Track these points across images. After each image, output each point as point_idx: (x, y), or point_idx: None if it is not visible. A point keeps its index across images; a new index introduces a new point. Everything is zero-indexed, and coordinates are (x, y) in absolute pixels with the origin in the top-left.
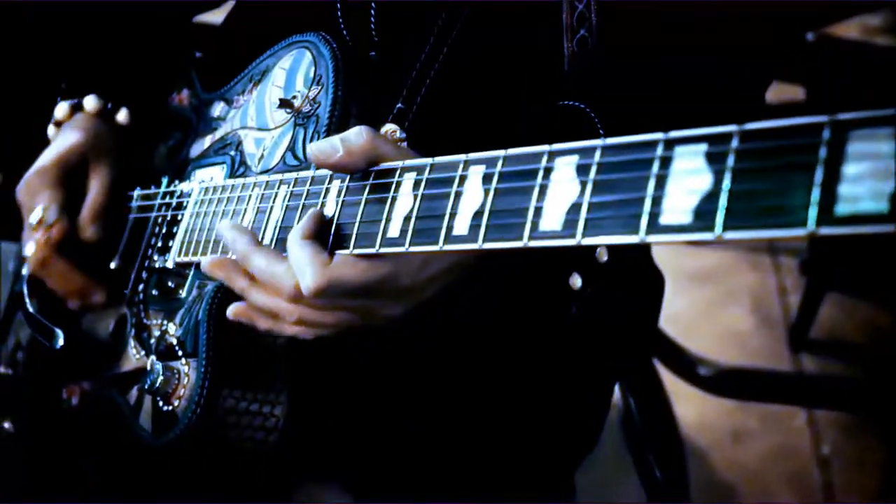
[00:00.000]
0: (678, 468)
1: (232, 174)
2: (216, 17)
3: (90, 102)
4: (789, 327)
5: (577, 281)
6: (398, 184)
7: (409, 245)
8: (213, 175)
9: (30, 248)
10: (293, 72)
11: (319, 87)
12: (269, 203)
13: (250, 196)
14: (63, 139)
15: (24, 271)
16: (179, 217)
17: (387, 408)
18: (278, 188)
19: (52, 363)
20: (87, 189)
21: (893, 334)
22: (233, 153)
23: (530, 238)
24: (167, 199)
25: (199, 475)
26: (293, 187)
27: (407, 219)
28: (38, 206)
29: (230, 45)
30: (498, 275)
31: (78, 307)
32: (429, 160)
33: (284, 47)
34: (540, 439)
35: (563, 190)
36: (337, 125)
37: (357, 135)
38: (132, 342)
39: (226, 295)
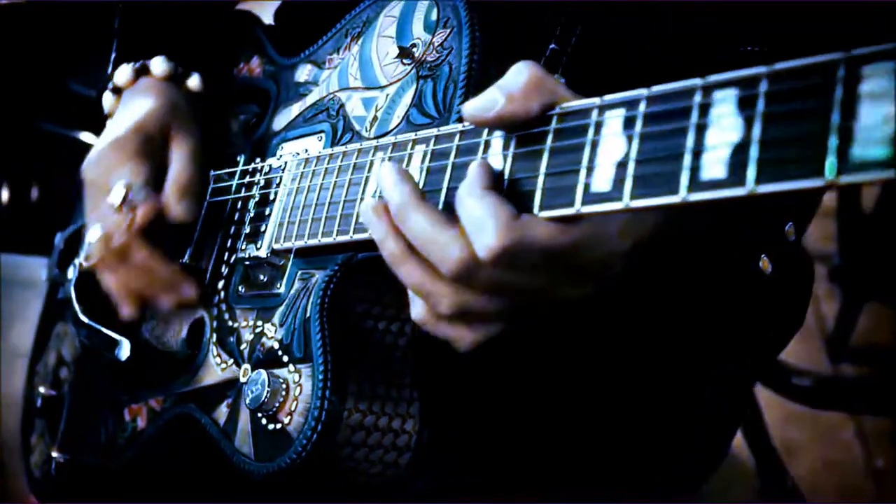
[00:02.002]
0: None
1: (335, 143)
2: None
3: (159, 65)
4: (826, 336)
5: (766, 264)
6: (598, 124)
7: (631, 199)
8: (307, 147)
9: (95, 234)
10: (407, 18)
11: (448, 31)
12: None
13: (371, 162)
14: (135, 105)
15: (70, 274)
16: (271, 196)
17: (529, 414)
18: (412, 149)
19: (107, 380)
20: (168, 161)
21: None
22: (333, 119)
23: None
24: (249, 179)
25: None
26: (433, 146)
27: (621, 165)
28: (118, 183)
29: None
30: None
31: (168, 306)
32: (642, 91)
33: None
34: (679, 446)
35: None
36: (479, 71)
37: (518, 73)
38: (214, 350)
39: (341, 285)
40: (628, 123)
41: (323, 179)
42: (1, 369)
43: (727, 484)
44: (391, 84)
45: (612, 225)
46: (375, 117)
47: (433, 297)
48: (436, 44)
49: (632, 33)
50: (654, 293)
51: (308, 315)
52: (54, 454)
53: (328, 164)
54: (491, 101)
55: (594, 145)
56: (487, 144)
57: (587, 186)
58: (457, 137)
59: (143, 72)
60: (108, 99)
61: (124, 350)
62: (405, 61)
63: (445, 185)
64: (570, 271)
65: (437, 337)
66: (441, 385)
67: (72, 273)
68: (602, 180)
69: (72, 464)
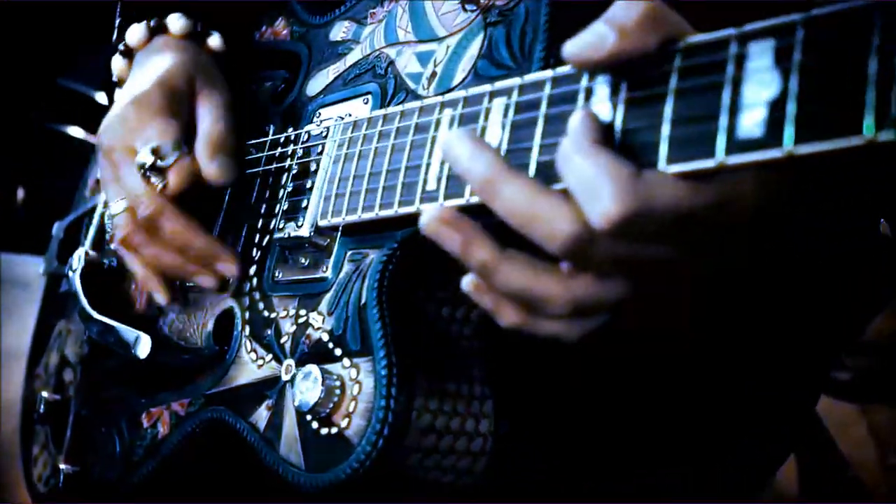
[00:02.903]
0: None
1: (385, 105)
2: None
3: (176, 22)
4: None
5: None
6: (740, 58)
7: (796, 143)
8: (350, 111)
9: (120, 206)
10: None
11: None
12: (475, 124)
13: (438, 120)
14: (154, 63)
15: (75, 264)
16: (312, 168)
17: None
18: (489, 102)
19: (119, 382)
20: (196, 119)
21: None
22: (380, 79)
23: None
24: (281, 150)
25: None
26: (517, 97)
27: (777, 105)
28: (145, 142)
29: None
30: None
31: (208, 286)
32: (795, 16)
33: None
34: (753, 433)
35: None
36: (562, 13)
37: (630, 4)
38: (247, 344)
39: (401, 266)
40: (781, 55)
41: (377, 143)
42: None
43: None
44: (452, 35)
45: (747, 181)
46: (434, 73)
47: (541, 301)
48: None
49: None
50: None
51: (364, 301)
52: (62, 466)
53: (382, 126)
54: (599, 36)
55: (737, 83)
56: (590, 92)
57: (731, 132)
58: (548, 85)
59: (158, 30)
60: (117, 63)
61: (143, 346)
62: (468, 7)
63: (537, 141)
64: (702, 240)
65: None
66: (515, 377)
67: (77, 263)
68: (751, 124)
69: (82, 476)
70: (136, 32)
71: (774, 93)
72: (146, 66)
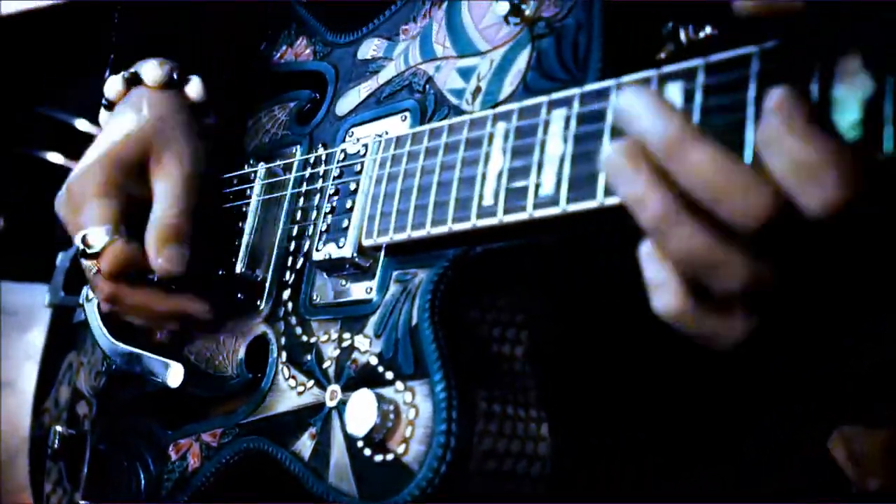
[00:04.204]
0: None
1: (425, 121)
2: None
3: (150, 72)
4: None
5: None
6: None
7: None
8: (387, 129)
9: (88, 278)
10: None
11: None
12: (534, 138)
13: (492, 135)
14: (114, 127)
15: (87, 300)
16: (351, 187)
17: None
18: (548, 114)
19: (139, 413)
20: (153, 195)
21: None
22: (419, 96)
23: None
24: (311, 170)
25: None
26: (579, 107)
27: None
28: (78, 227)
29: None
30: None
31: (188, 330)
32: None
33: None
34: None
35: None
36: (617, 21)
37: None
38: (285, 371)
39: (454, 285)
40: None
41: (424, 161)
42: None
43: None
44: (496, 49)
45: None
46: (479, 87)
47: (720, 268)
48: None
49: None
50: None
51: (415, 322)
52: (81, 503)
53: (428, 142)
54: None
55: None
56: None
57: None
58: (613, 95)
59: (134, 81)
60: (103, 116)
61: (175, 375)
62: (512, 21)
63: (605, 150)
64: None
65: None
66: (568, 399)
67: (88, 300)
68: None
69: None
70: (113, 85)
71: None
72: (110, 126)
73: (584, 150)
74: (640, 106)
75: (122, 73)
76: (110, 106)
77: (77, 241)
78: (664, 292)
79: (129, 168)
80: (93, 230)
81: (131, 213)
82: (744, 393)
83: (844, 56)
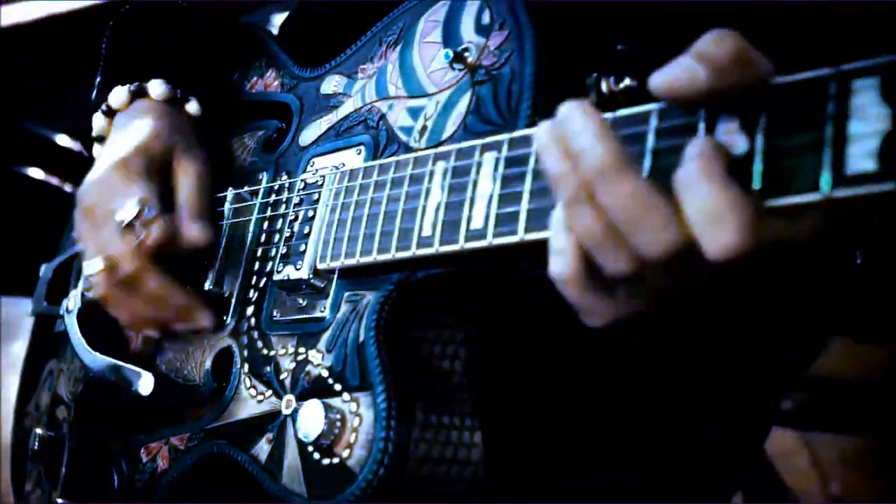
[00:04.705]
0: None
1: (378, 156)
2: None
3: (157, 88)
4: None
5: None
6: (847, 93)
7: None
8: (343, 161)
9: (97, 265)
10: (454, 21)
11: (505, 32)
12: (468, 177)
13: (432, 172)
14: (135, 127)
15: (71, 305)
16: (309, 214)
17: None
18: (480, 156)
19: (114, 418)
20: (176, 185)
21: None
22: (373, 131)
23: None
24: (276, 197)
25: None
26: (507, 151)
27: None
28: (129, 201)
29: (316, 16)
30: None
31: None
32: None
33: None
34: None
35: None
36: (545, 73)
37: (718, 42)
38: (246, 381)
39: (397, 307)
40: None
41: (373, 193)
42: None
43: None
44: (441, 91)
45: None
46: (425, 126)
47: (612, 255)
48: (491, 47)
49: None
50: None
51: (362, 340)
52: (59, 501)
53: (378, 176)
54: (689, 71)
55: (840, 120)
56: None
57: (843, 163)
58: (535, 142)
59: (139, 94)
60: (99, 121)
61: (146, 384)
62: (456, 66)
63: (527, 192)
64: (766, 268)
65: (494, 360)
66: (500, 410)
67: (73, 304)
68: (860, 159)
69: None
70: (118, 95)
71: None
72: (127, 128)
73: (509, 191)
74: (580, 124)
75: (128, 85)
76: (110, 113)
77: (127, 214)
78: (561, 259)
79: (157, 161)
80: (148, 201)
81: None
82: (666, 400)
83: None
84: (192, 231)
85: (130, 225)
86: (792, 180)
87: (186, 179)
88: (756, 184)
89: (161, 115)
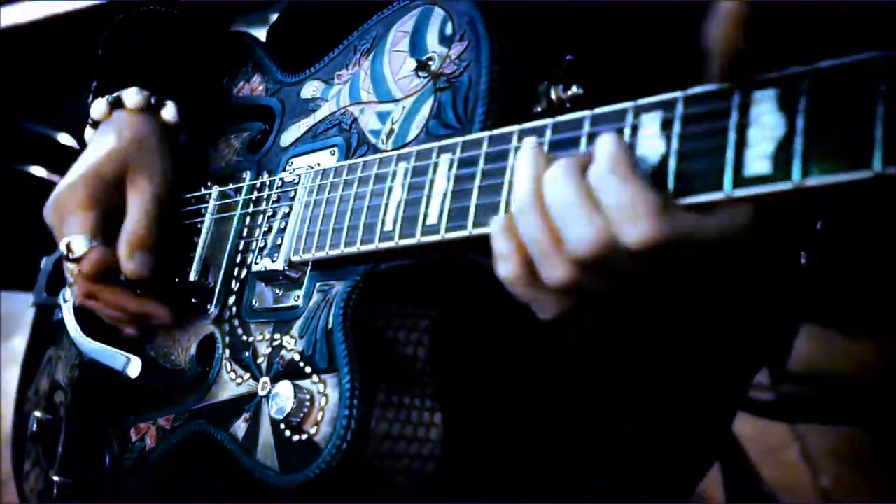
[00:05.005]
0: None
1: (349, 156)
2: None
3: (131, 97)
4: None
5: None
6: (748, 104)
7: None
8: (319, 161)
9: (68, 279)
10: (420, 33)
11: (465, 44)
12: (426, 176)
13: (395, 172)
14: (97, 145)
15: (68, 295)
16: (286, 210)
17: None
18: (437, 157)
19: (107, 401)
20: (127, 206)
21: (875, 365)
22: (346, 133)
23: None
24: (258, 194)
25: None
26: (460, 153)
27: (783, 145)
28: (66, 234)
29: (299, 23)
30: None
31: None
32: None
33: (399, 10)
34: (677, 447)
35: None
36: (501, 82)
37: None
38: (227, 365)
39: (363, 296)
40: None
41: (342, 191)
42: None
43: None
44: (407, 97)
45: (741, 213)
46: (392, 129)
47: (548, 264)
48: (452, 57)
49: (646, 41)
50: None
51: (330, 326)
52: (55, 478)
53: (347, 175)
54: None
55: (742, 129)
56: (517, 149)
57: (740, 165)
58: (485, 144)
59: (116, 105)
60: (88, 133)
61: (134, 367)
62: (421, 75)
63: (476, 190)
64: (694, 264)
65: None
66: (460, 393)
67: (70, 294)
68: (757, 162)
69: (74, 488)
70: (98, 107)
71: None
72: (93, 144)
73: (461, 188)
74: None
75: (107, 97)
76: (95, 125)
77: (62, 248)
78: (506, 263)
79: (107, 184)
80: (75, 238)
81: (110, 221)
82: (602, 390)
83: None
84: (130, 266)
85: (66, 259)
86: (699, 180)
87: (135, 205)
88: (670, 183)
89: (130, 127)
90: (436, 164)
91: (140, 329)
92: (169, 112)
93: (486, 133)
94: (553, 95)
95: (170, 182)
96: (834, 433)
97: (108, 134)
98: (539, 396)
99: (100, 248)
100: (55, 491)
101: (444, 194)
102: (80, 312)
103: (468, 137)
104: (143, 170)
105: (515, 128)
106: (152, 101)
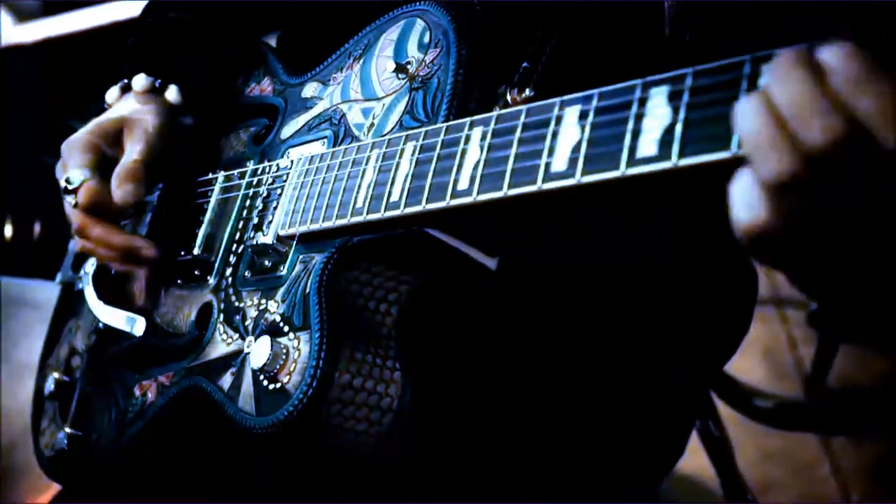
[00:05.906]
0: None
1: (336, 146)
2: None
3: (138, 81)
4: (804, 378)
5: None
6: (646, 98)
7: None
8: (311, 150)
9: (67, 213)
10: (403, 40)
11: (438, 50)
12: (393, 160)
13: (369, 157)
14: (105, 114)
15: (88, 268)
16: (279, 192)
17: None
18: (404, 144)
19: (118, 364)
20: (123, 150)
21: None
22: (335, 127)
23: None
24: (258, 178)
25: (304, 465)
26: (422, 140)
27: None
28: (64, 171)
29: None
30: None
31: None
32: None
33: (389, 20)
34: (635, 446)
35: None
36: (463, 83)
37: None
38: (220, 328)
39: (338, 265)
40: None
41: (325, 174)
42: (1, 383)
43: None
44: (387, 96)
45: None
46: (372, 123)
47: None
48: (427, 61)
49: (594, 52)
50: None
51: (307, 292)
52: (67, 430)
53: (330, 161)
54: None
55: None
56: (468, 138)
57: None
58: (442, 132)
59: (126, 89)
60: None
61: (139, 326)
62: (400, 76)
63: (431, 171)
64: None
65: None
66: (423, 355)
67: (90, 267)
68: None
69: (83, 439)
70: (112, 93)
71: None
72: (105, 114)
73: (421, 171)
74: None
75: (119, 83)
76: (110, 107)
77: (62, 182)
78: (751, 209)
79: (108, 134)
80: (74, 171)
81: (108, 167)
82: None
83: None
84: (116, 193)
85: (64, 192)
86: (603, 162)
87: (129, 147)
88: (580, 162)
89: (133, 101)
90: (402, 150)
91: (127, 264)
92: (172, 93)
93: (445, 123)
94: (509, 98)
95: (163, 138)
96: (865, 449)
97: (115, 108)
98: (495, 369)
99: (94, 181)
100: (66, 442)
101: (407, 175)
102: (97, 279)
103: (430, 127)
104: (139, 124)
105: (468, 119)
106: (157, 84)
